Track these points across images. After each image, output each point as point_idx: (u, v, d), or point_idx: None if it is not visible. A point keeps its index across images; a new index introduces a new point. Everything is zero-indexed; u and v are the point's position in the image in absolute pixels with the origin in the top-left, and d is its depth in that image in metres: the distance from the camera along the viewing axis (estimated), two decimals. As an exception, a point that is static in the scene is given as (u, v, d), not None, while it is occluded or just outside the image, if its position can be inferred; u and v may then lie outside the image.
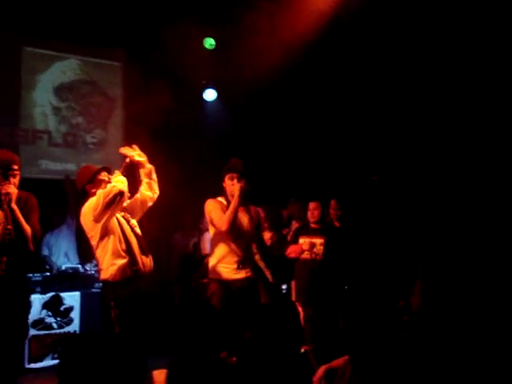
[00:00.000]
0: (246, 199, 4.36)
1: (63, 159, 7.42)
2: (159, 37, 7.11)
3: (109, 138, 7.82)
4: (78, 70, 7.73)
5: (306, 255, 5.45)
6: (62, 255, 6.24)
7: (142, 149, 6.72)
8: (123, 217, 3.89)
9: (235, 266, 4.34)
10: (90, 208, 3.72)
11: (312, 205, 5.64)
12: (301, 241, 5.51)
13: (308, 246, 5.42)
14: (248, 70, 6.99)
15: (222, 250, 4.41)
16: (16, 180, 3.70)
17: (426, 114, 6.52)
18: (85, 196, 3.85)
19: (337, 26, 6.76)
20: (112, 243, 3.76)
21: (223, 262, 4.37)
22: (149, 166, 4.15)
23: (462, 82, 6.21)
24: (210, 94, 7.90)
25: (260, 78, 7.11)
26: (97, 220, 3.70)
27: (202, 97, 7.97)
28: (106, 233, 3.77)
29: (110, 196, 3.63)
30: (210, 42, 7.63)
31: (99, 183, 3.84)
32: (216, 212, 4.35)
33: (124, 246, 3.77)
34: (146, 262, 3.87)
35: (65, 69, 7.63)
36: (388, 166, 6.30)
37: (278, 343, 2.47)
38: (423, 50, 6.47)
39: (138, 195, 4.09)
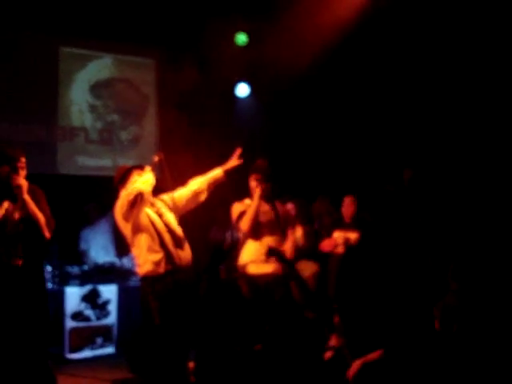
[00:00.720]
0: (269, 198, 4.44)
1: (99, 155, 7.56)
2: (192, 33, 7.20)
3: (144, 134, 7.93)
4: (113, 68, 7.85)
5: (340, 249, 5.44)
6: (101, 249, 6.35)
7: (176, 145, 6.89)
8: (156, 212, 3.93)
9: (261, 262, 4.41)
10: (118, 208, 3.83)
11: (346, 199, 5.64)
12: (335, 235, 5.51)
13: (342, 240, 5.41)
14: (280, 66, 7.00)
15: (249, 246, 4.54)
16: (24, 172, 3.78)
17: (462, 112, 6.45)
18: (118, 195, 3.94)
19: (370, 21, 6.71)
20: (145, 240, 3.84)
21: (250, 259, 4.48)
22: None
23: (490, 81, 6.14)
24: (242, 90, 7.92)
25: (292, 73, 7.12)
26: (126, 219, 3.80)
27: (234, 93, 7.99)
28: (138, 230, 3.85)
29: (131, 197, 3.72)
30: (242, 38, 7.66)
31: (131, 183, 3.90)
32: (239, 214, 4.50)
33: (157, 242, 3.83)
34: (183, 255, 3.90)
35: (100, 67, 7.76)
36: (418, 161, 6.22)
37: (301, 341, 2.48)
38: (456, 47, 6.40)
39: (184, 194, 4.12)
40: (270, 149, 7.82)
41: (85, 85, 7.60)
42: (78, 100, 7.54)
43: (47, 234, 3.75)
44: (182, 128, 6.97)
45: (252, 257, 4.49)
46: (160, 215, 3.94)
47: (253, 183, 4.55)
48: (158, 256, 3.82)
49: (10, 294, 3.61)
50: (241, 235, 4.65)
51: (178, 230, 3.95)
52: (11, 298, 3.61)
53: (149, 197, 3.87)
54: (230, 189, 7.21)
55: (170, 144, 7.19)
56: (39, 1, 6.74)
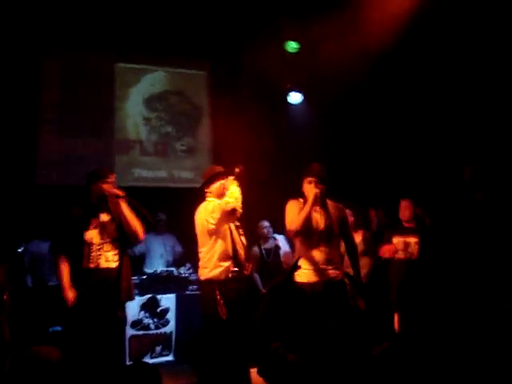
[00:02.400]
0: (322, 202, 4.34)
1: (155, 167, 7.69)
2: (242, 43, 7.24)
3: (198, 145, 8.02)
4: (166, 81, 8.00)
5: (400, 255, 5.31)
6: (157, 259, 6.43)
7: (230, 154, 6.92)
8: (234, 223, 4.30)
9: (309, 270, 4.25)
10: (206, 210, 4.22)
11: (403, 203, 5.50)
12: (394, 240, 5.38)
13: (402, 245, 5.28)
14: (333, 72, 6.94)
15: (300, 253, 4.41)
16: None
17: None
18: (203, 195, 4.35)
19: (420, 27, 6.57)
20: (220, 246, 4.18)
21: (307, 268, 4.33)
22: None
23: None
24: (294, 97, 7.89)
25: (345, 80, 7.04)
26: (210, 223, 4.17)
27: (286, 100, 7.97)
28: (216, 235, 4.20)
29: (228, 209, 4.09)
30: (292, 46, 7.64)
31: (216, 188, 4.33)
32: (291, 212, 4.34)
33: (230, 250, 4.19)
34: (246, 265, 4.28)
35: (153, 81, 7.92)
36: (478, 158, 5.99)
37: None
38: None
39: None
40: (323, 155, 7.76)
41: (139, 98, 7.77)
42: (133, 113, 7.72)
43: (140, 237, 4.05)
44: (236, 137, 6.99)
45: (307, 267, 4.36)
46: (237, 227, 4.32)
47: (307, 186, 4.44)
48: (228, 263, 4.15)
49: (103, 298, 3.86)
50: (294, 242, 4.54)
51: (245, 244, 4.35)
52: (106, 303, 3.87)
53: (238, 214, 4.20)
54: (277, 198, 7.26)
55: (224, 154, 7.24)
56: (94, 20, 6.94)
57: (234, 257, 4.19)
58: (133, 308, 5.53)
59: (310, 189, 4.32)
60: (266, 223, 6.35)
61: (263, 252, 6.23)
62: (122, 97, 7.68)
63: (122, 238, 4.00)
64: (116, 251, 3.97)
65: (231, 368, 2.21)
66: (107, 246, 3.94)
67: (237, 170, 4.31)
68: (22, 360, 2.23)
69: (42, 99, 7.15)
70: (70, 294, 3.82)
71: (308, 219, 4.21)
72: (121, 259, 3.97)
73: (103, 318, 3.81)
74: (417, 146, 7.25)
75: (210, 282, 4.12)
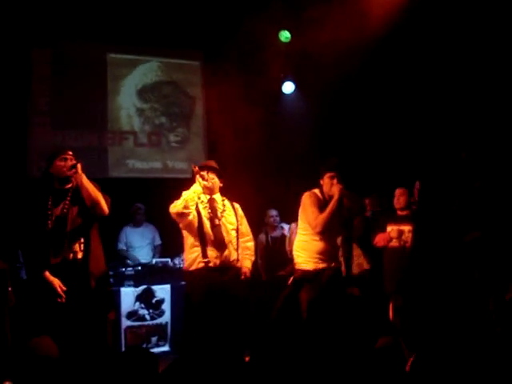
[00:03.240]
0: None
1: (149, 158, 7.67)
2: (235, 32, 7.20)
3: (191, 136, 7.99)
4: (159, 71, 7.95)
5: (394, 243, 5.31)
6: (144, 249, 6.47)
7: (224, 145, 6.90)
8: (208, 213, 4.28)
9: (317, 257, 4.38)
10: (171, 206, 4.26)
11: (398, 191, 5.51)
12: (388, 229, 5.38)
13: (396, 233, 5.28)
14: (325, 61, 6.92)
15: (306, 242, 4.48)
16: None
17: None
18: None
19: (416, 14, 6.55)
20: (188, 238, 4.28)
21: (307, 254, 4.44)
22: None
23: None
24: (288, 87, 7.88)
25: (338, 68, 7.02)
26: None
27: (280, 90, 7.95)
28: (183, 229, 4.31)
29: (173, 213, 4.23)
30: (285, 35, 7.60)
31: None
32: (313, 210, 4.39)
33: (198, 241, 4.21)
34: (222, 255, 4.22)
35: (146, 71, 7.87)
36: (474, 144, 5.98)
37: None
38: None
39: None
40: (317, 144, 7.76)
41: (132, 89, 7.73)
42: (127, 104, 7.68)
43: (106, 210, 3.81)
44: (229, 128, 6.97)
45: (307, 253, 4.42)
46: (211, 218, 4.27)
47: (328, 181, 4.46)
48: (195, 254, 4.20)
49: (74, 290, 3.66)
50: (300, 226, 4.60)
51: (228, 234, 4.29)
52: (77, 294, 3.66)
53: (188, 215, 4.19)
54: (272, 191, 7.25)
55: (218, 144, 7.23)
56: (85, 10, 6.89)
57: (202, 246, 4.19)
58: (128, 299, 5.54)
59: (333, 185, 4.35)
60: (273, 212, 6.41)
61: (269, 240, 6.27)
62: (114, 88, 7.63)
63: (86, 221, 3.76)
64: (82, 240, 3.73)
65: (219, 356, 2.22)
66: (72, 236, 3.71)
67: (193, 169, 4.34)
68: (22, 353, 2.23)
69: (34, 91, 7.10)
70: (56, 281, 3.60)
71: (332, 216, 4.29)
72: (86, 245, 3.73)
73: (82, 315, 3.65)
74: (412, 134, 7.24)
75: (185, 273, 4.30)
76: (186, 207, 4.11)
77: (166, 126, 7.86)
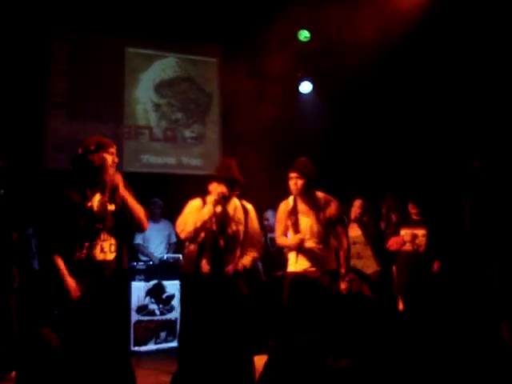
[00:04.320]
0: (309, 197, 4.33)
1: (163, 153, 7.67)
2: (254, 31, 7.18)
3: (207, 132, 7.99)
4: (177, 67, 7.96)
5: (407, 247, 5.28)
6: (161, 246, 6.43)
7: (239, 142, 6.89)
8: (216, 227, 4.07)
9: (295, 259, 4.30)
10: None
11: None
12: (402, 232, 5.35)
13: (410, 237, 5.24)
14: (344, 62, 6.88)
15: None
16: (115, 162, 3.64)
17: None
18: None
19: (434, 17, 6.48)
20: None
21: (290, 256, 4.39)
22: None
23: None
24: (305, 87, 7.84)
25: (356, 69, 6.98)
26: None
27: (297, 89, 7.92)
28: None
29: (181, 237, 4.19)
30: (304, 35, 7.57)
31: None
32: (277, 226, 4.45)
33: (198, 249, 4.07)
34: (221, 267, 4.05)
35: (164, 66, 7.89)
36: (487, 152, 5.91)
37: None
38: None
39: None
40: (335, 145, 7.72)
41: (149, 84, 7.75)
42: (143, 99, 7.69)
43: (145, 226, 3.64)
44: (245, 126, 6.95)
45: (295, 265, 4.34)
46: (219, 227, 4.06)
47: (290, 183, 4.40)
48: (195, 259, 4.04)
49: (102, 290, 3.41)
50: None
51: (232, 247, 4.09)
52: (103, 294, 3.41)
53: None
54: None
55: (233, 141, 7.22)
56: (105, 3, 6.91)
57: (202, 256, 4.05)
58: (138, 293, 5.55)
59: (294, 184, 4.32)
60: (269, 213, 6.33)
61: (268, 241, 6.23)
62: (132, 82, 7.66)
63: (121, 226, 3.50)
64: (114, 241, 3.47)
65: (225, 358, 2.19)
66: (104, 235, 3.44)
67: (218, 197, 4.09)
68: (27, 341, 2.23)
69: (51, 83, 7.15)
70: (73, 284, 3.29)
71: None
72: (119, 250, 3.49)
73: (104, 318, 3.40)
74: (426, 137, 7.18)
75: (182, 275, 4.33)
76: (196, 233, 3.98)
77: (181, 121, 7.87)
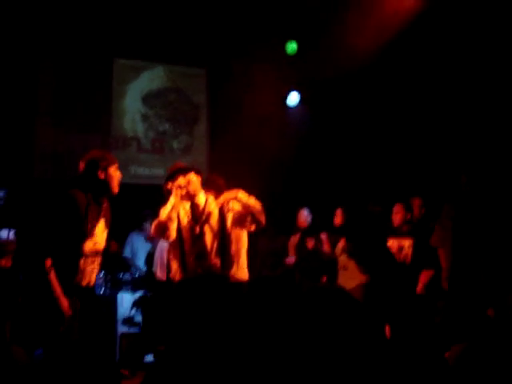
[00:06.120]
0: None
1: (151, 164, 7.68)
2: (242, 42, 7.23)
3: (194, 143, 8.01)
4: (165, 78, 7.99)
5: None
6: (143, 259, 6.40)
7: (227, 153, 6.90)
8: (188, 223, 3.88)
9: None
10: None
11: (395, 208, 5.44)
12: (389, 243, 5.34)
13: (396, 248, 5.24)
14: (331, 73, 6.93)
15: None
16: None
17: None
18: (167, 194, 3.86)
19: (419, 28, 6.55)
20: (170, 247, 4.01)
21: None
22: None
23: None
24: (292, 98, 7.89)
25: (344, 80, 7.04)
26: None
27: (285, 101, 7.97)
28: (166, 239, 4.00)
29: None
30: (292, 47, 7.63)
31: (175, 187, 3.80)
32: None
33: (178, 251, 3.85)
34: (203, 266, 3.80)
35: (152, 77, 7.92)
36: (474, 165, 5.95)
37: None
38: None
39: None
40: (321, 156, 7.76)
41: (137, 95, 7.76)
42: (131, 110, 7.71)
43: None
44: (233, 137, 6.98)
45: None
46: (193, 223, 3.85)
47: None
48: (176, 265, 3.87)
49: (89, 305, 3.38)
50: None
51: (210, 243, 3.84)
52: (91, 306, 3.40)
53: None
54: (276, 199, 7.23)
55: (221, 152, 7.24)
56: (94, 14, 6.93)
57: (183, 257, 3.86)
58: (125, 305, 5.51)
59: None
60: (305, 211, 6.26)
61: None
62: (119, 93, 7.67)
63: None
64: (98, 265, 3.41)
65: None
66: (98, 259, 3.38)
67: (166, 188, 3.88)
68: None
69: (40, 93, 7.14)
70: (66, 302, 3.19)
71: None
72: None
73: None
74: (416, 147, 7.23)
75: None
76: (160, 226, 3.76)
77: (169, 132, 7.89)
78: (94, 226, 3.28)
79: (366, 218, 5.61)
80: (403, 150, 7.33)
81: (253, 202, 3.91)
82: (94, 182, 3.32)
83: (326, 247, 5.80)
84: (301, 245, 6.04)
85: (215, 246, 3.85)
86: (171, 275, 3.99)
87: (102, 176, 3.34)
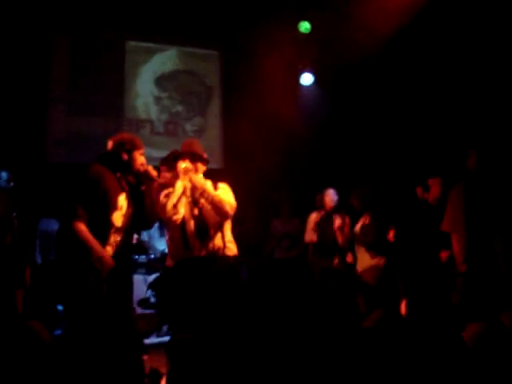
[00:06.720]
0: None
1: (165, 147, 7.61)
2: (255, 23, 7.15)
3: (208, 125, 7.98)
4: (178, 60, 7.95)
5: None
6: (162, 239, 6.41)
7: (240, 135, 6.87)
8: (189, 203, 3.90)
9: None
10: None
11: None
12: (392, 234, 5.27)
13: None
14: (345, 53, 6.84)
15: None
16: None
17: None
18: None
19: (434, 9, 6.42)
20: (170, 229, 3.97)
21: None
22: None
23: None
24: (306, 79, 7.81)
25: (358, 60, 6.94)
26: None
27: (298, 81, 7.89)
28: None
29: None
30: (305, 26, 7.53)
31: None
32: None
33: (179, 231, 3.85)
34: (206, 245, 3.85)
35: (165, 60, 7.88)
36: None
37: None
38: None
39: None
40: (335, 137, 7.70)
41: (150, 77, 7.74)
42: (144, 92, 7.69)
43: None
44: (247, 119, 6.94)
45: None
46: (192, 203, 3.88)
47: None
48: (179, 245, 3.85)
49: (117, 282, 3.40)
50: None
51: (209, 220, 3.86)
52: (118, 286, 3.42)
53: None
54: (290, 181, 7.19)
55: (234, 134, 7.21)
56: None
57: (185, 236, 3.85)
58: (140, 287, 5.55)
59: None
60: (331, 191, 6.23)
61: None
62: (132, 75, 7.65)
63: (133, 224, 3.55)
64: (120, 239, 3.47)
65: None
66: (120, 233, 3.45)
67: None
68: (19, 333, 2.23)
69: (52, 77, 7.14)
70: (108, 255, 3.28)
71: None
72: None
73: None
74: (427, 127, 7.13)
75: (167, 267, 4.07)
76: (175, 212, 3.77)
77: (182, 115, 7.86)
78: (117, 200, 3.39)
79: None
80: (418, 131, 7.23)
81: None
82: (117, 162, 3.46)
83: (346, 229, 5.76)
84: (324, 222, 5.95)
85: (216, 226, 3.88)
86: (171, 256, 3.97)
87: (126, 157, 3.47)
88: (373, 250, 5.07)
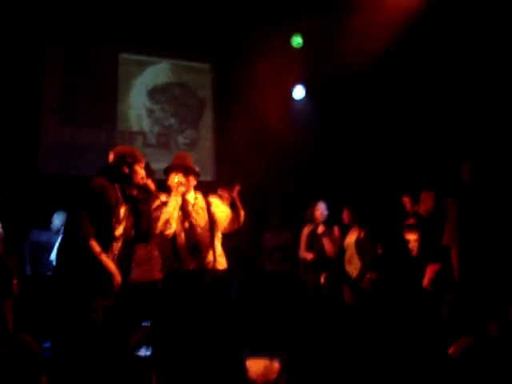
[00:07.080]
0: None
1: (157, 159, 7.60)
2: (247, 37, 7.21)
3: (200, 138, 8.00)
4: (170, 72, 7.98)
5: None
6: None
7: (233, 148, 6.89)
8: (179, 217, 3.92)
9: None
10: None
11: (404, 200, 5.47)
12: (394, 237, 5.32)
13: (403, 242, 5.22)
14: (337, 67, 6.91)
15: None
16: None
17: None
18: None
19: (423, 24, 6.51)
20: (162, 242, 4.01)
21: None
22: None
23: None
24: (298, 92, 7.86)
25: (350, 73, 7.00)
26: None
27: (291, 95, 7.94)
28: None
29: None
30: (297, 41, 7.60)
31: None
32: None
33: (170, 245, 3.90)
34: (196, 259, 3.87)
35: (158, 72, 7.90)
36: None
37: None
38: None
39: None
40: (327, 149, 7.73)
41: (143, 90, 7.76)
42: (137, 105, 7.70)
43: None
44: (239, 131, 6.97)
45: None
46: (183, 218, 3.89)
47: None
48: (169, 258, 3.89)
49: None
50: None
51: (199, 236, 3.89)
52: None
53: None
54: (281, 193, 7.21)
55: (227, 147, 7.24)
56: (98, 9, 6.93)
57: (176, 250, 3.90)
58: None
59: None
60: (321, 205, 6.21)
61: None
62: (125, 87, 7.66)
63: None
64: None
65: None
66: (120, 243, 3.55)
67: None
68: (12, 346, 2.22)
69: (45, 88, 7.13)
70: (119, 276, 3.36)
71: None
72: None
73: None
74: (420, 141, 7.18)
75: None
76: (167, 228, 3.79)
77: (175, 127, 7.88)
78: (119, 213, 3.50)
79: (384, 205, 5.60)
80: (411, 144, 7.29)
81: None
82: (119, 175, 3.55)
83: (336, 239, 5.77)
84: (313, 236, 5.98)
85: (207, 240, 3.91)
86: (161, 269, 4.01)
87: (127, 170, 3.55)
88: (368, 263, 5.13)
